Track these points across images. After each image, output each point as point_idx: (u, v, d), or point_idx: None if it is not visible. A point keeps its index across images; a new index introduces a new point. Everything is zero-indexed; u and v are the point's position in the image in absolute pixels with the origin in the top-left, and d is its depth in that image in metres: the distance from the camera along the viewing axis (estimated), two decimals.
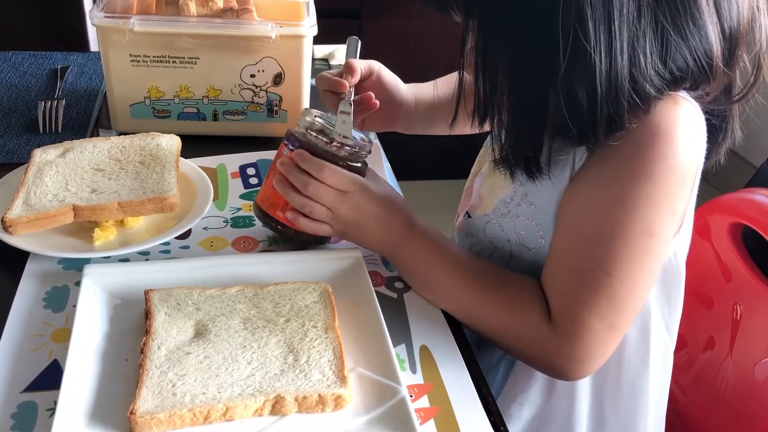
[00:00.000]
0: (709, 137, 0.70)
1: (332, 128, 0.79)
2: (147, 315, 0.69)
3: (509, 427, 0.65)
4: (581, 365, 0.69)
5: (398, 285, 0.80)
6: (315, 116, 0.80)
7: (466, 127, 0.90)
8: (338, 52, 1.35)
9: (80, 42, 1.47)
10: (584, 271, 0.67)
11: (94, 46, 1.47)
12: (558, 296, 0.69)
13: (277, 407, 0.61)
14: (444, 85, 1.01)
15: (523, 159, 0.69)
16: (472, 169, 0.92)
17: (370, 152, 0.81)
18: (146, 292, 0.71)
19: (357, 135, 0.83)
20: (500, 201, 0.78)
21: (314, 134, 0.79)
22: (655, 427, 0.83)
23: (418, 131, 1.04)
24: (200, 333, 0.68)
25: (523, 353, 0.74)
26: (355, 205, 0.76)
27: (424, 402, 0.65)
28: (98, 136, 1.04)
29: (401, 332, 0.73)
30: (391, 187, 0.81)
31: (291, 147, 0.79)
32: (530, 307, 0.70)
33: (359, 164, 0.80)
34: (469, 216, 0.85)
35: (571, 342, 0.68)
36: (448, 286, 0.75)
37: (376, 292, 0.75)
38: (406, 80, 1.04)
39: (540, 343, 0.70)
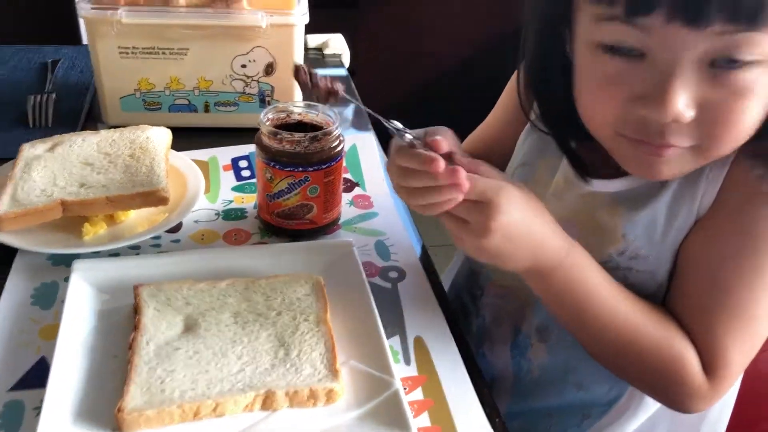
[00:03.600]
0: None
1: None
2: (136, 310, 0.68)
3: None
4: (716, 402, 0.68)
5: (393, 275, 0.79)
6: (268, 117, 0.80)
7: None
8: (332, 42, 1.33)
9: (72, 35, 1.46)
10: (730, 318, 0.64)
11: (86, 39, 1.46)
12: (706, 345, 0.65)
13: (267, 402, 0.60)
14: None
15: None
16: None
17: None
18: (135, 288, 0.70)
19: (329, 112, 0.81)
20: (607, 255, 0.70)
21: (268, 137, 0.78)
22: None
23: None
24: (190, 328, 0.67)
25: (667, 394, 0.68)
26: (496, 217, 0.59)
27: (418, 394, 0.64)
28: (89, 129, 1.02)
29: (396, 324, 0.72)
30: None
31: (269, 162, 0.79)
32: (689, 355, 0.65)
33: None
34: None
35: (722, 390, 0.66)
36: (609, 316, 0.65)
37: (370, 282, 0.74)
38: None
39: (690, 390, 0.65)
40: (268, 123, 0.79)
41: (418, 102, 2.27)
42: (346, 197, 0.91)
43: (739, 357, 0.65)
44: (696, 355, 0.65)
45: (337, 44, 1.33)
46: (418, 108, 2.24)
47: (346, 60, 1.33)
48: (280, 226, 0.82)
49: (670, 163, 0.62)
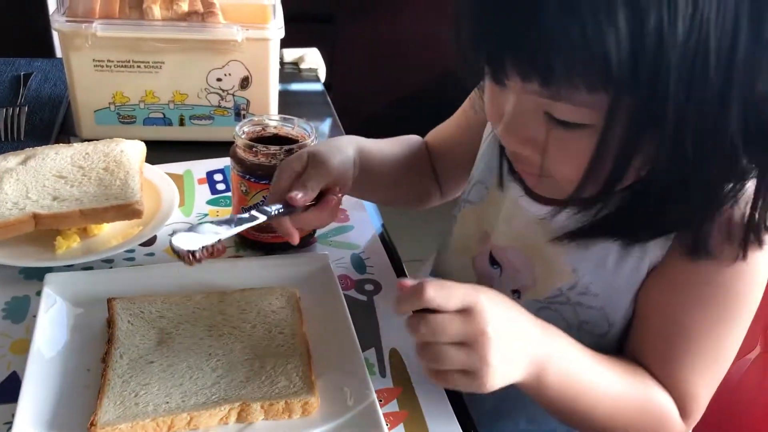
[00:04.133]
0: None
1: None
2: (109, 324, 0.68)
3: None
4: None
5: (368, 288, 0.79)
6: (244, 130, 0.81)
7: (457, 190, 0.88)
8: (308, 56, 1.34)
9: (46, 48, 1.45)
10: (698, 363, 0.65)
11: (60, 52, 1.45)
12: (679, 391, 0.65)
13: (243, 415, 0.60)
14: (396, 148, 0.86)
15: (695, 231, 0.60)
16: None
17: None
18: (109, 301, 0.70)
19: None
20: (557, 289, 0.69)
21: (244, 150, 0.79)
22: None
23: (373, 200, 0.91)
24: (164, 341, 0.66)
25: None
26: (488, 320, 0.55)
27: (393, 406, 0.64)
28: (62, 143, 1.02)
29: (371, 336, 0.72)
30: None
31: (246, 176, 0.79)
32: (670, 405, 0.65)
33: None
34: (519, 296, 0.73)
35: (693, 424, 0.67)
36: (599, 399, 0.63)
37: (346, 295, 0.74)
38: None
39: None
40: (243, 136, 0.79)
41: (395, 116, 2.28)
42: None
43: (707, 394, 0.66)
44: (673, 402, 0.65)
45: (313, 59, 1.34)
46: (394, 121, 2.26)
47: (322, 74, 1.34)
48: (255, 239, 0.82)
49: (540, 182, 0.63)
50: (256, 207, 0.67)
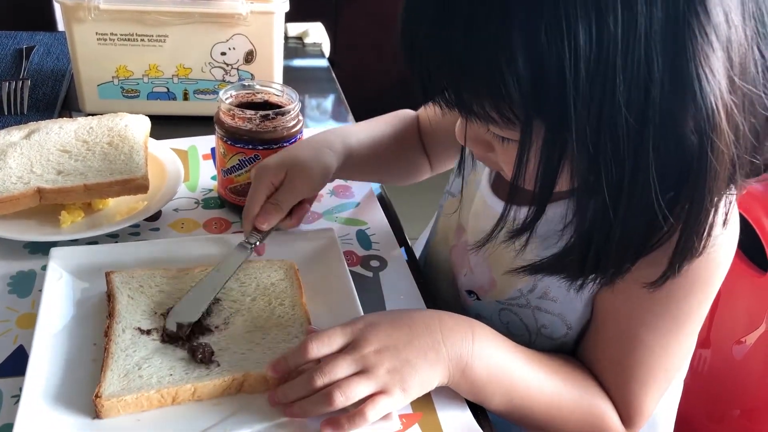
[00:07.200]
0: None
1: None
2: (109, 297, 0.68)
3: None
4: None
5: (374, 264, 0.79)
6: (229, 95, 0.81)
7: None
8: (312, 31, 1.32)
9: (47, 22, 1.43)
10: (646, 374, 0.65)
11: (62, 26, 1.44)
12: (624, 399, 0.66)
13: (246, 385, 0.60)
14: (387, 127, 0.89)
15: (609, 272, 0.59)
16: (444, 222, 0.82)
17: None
18: (107, 274, 0.70)
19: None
20: (517, 290, 0.70)
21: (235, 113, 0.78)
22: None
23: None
24: (164, 315, 0.66)
25: None
26: (376, 335, 0.59)
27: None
28: (65, 117, 1.01)
29: (377, 311, 0.72)
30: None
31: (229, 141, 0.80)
32: (609, 411, 0.66)
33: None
34: (478, 298, 0.75)
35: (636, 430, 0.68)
36: (537, 395, 0.64)
37: (351, 271, 0.74)
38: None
39: None
40: (229, 99, 0.80)
41: (399, 92, 2.27)
42: (327, 186, 0.90)
43: (652, 404, 0.67)
44: (614, 409, 0.66)
45: (317, 33, 1.33)
46: (398, 97, 2.24)
47: (327, 49, 1.32)
48: (233, 202, 0.83)
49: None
50: (239, 246, 0.72)
